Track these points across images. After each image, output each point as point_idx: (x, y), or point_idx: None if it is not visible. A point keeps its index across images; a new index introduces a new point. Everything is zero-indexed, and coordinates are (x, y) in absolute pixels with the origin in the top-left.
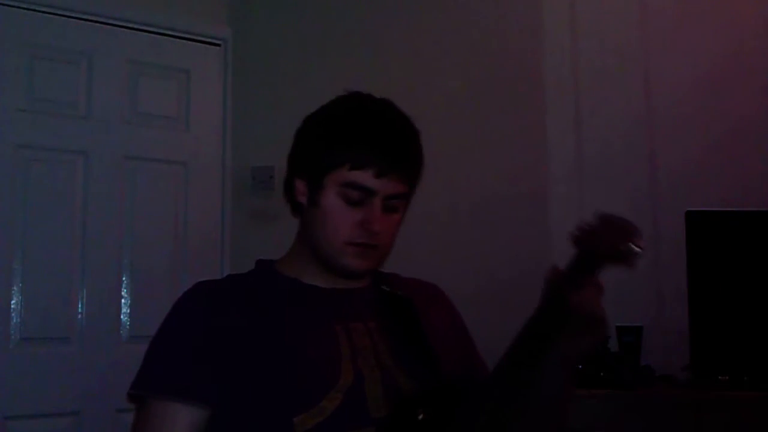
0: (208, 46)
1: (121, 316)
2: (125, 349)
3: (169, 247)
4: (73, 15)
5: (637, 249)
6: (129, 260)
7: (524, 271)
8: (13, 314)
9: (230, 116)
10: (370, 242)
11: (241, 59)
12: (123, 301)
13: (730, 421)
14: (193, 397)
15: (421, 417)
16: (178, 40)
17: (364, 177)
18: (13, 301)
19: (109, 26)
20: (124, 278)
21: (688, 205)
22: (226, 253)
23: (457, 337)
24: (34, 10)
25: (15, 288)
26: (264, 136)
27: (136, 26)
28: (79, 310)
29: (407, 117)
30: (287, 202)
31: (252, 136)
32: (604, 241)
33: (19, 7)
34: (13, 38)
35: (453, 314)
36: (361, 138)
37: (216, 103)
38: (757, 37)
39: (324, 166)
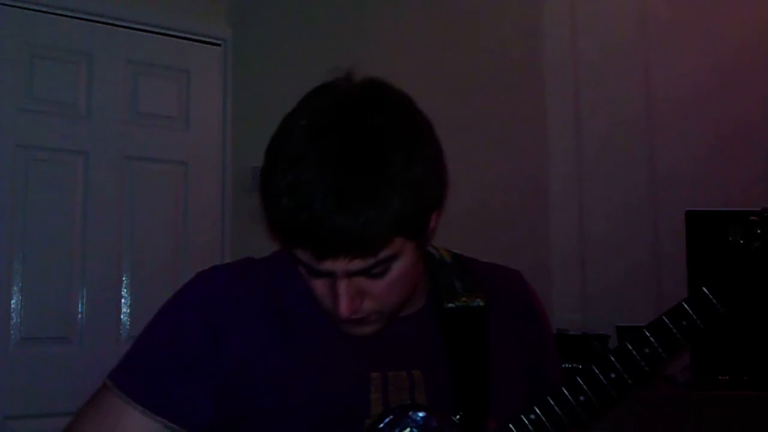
0: (208, 46)
1: (121, 316)
2: (125, 349)
3: (169, 247)
4: (73, 15)
5: None
6: (129, 260)
7: (524, 271)
8: (13, 314)
9: (230, 116)
10: (354, 318)
11: (241, 59)
12: (123, 301)
13: (730, 421)
14: (159, 412)
15: None
16: (178, 40)
17: (305, 257)
18: (13, 301)
19: (109, 26)
20: (124, 278)
21: (688, 205)
22: (226, 253)
23: (528, 357)
24: (34, 10)
25: (15, 288)
26: (264, 136)
27: (136, 26)
28: (79, 310)
29: (397, 126)
30: None
31: (252, 136)
32: None
33: (19, 7)
34: (13, 38)
35: (534, 320)
36: (287, 207)
37: (216, 103)
38: (757, 37)
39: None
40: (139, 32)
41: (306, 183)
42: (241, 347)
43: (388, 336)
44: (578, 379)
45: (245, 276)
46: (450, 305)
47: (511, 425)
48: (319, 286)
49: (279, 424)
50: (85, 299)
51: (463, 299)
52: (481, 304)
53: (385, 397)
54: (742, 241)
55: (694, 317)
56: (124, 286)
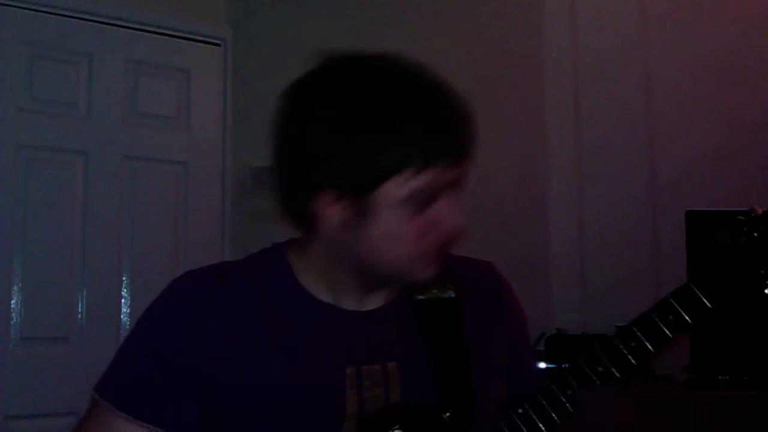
0: (208, 46)
1: (121, 316)
2: None
3: (169, 247)
4: (73, 15)
5: None
6: (129, 260)
7: (524, 270)
8: (13, 314)
9: (230, 116)
10: (449, 243)
11: (241, 59)
12: (123, 301)
13: (730, 420)
14: (147, 419)
15: None
16: (178, 40)
17: (442, 172)
18: (13, 301)
19: (109, 26)
20: (124, 278)
21: (688, 205)
22: (226, 253)
23: (508, 350)
24: (34, 10)
25: (15, 288)
26: (264, 136)
27: (136, 26)
28: (79, 310)
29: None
30: (289, 214)
31: (252, 136)
32: None
33: (19, 7)
34: (13, 38)
35: (509, 311)
36: (433, 120)
37: (216, 103)
38: (757, 36)
39: (379, 174)
40: (139, 32)
41: (424, 86)
42: (222, 353)
43: (362, 330)
44: (567, 375)
45: (223, 281)
46: (421, 297)
47: (501, 423)
48: (423, 223)
49: (258, 427)
50: (85, 299)
51: (434, 291)
52: (452, 295)
53: (360, 395)
54: (729, 240)
55: (681, 312)
56: (124, 286)
